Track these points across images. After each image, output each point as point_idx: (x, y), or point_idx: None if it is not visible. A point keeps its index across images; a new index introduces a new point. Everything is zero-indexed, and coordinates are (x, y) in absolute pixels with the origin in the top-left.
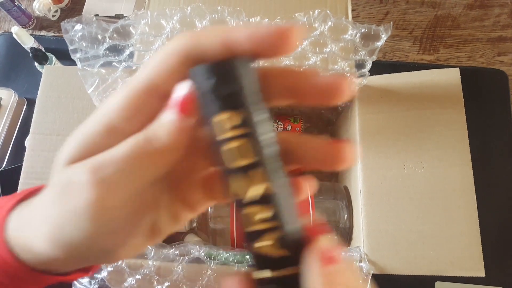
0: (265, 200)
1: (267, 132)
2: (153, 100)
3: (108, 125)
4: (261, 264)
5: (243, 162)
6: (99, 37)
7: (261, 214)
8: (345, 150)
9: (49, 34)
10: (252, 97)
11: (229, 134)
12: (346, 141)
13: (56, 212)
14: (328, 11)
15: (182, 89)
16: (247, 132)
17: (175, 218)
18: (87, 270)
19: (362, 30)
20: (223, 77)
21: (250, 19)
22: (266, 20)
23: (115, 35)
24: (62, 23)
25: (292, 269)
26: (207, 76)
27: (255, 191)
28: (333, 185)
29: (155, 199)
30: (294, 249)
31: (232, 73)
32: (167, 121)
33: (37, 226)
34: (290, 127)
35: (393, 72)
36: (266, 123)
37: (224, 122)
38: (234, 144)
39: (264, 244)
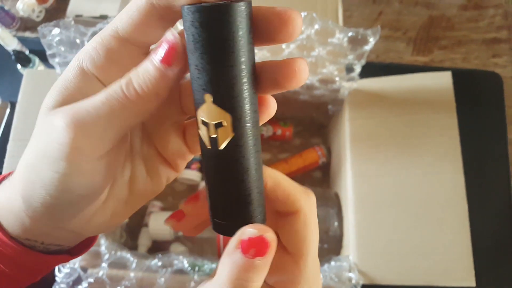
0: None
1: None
2: (120, 45)
3: (80, 69)
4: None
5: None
6: (78, 41)
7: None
8: (296, 64)
9: (34, 35)
10: (240, 45)
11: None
12: (299, 58)
13: (32, 155)
14: (315, 15)
15: (167, 37)
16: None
17: (153, 172)
18: (73, 252)
19: (350, 34)
20: (208, 24)
21: None
22: None
23: None
24: (39, 28)
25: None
26: (192, 20)
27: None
28: (324, 191)
29: (131, 146)
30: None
31: (218, 20)
32: (147, 70)
33: (15, 181)
34: (280, 131)
35: (386, 74)
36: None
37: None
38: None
39: None
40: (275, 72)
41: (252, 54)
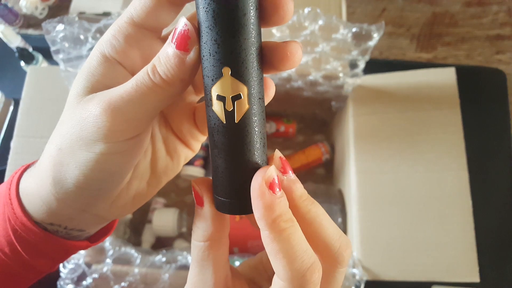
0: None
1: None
2: (136, 31)
3: (103, 56)
4: None
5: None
6: (82, 37)
7: None
8: (289, 47)
9: (37, 32)
10: (254, 18)
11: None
12: (293, 41)
13: (64, 139)
14: (319, 10)
15: (179, 25)
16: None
17: (172, 152)
18: (92, 239)
19: (354, 29)
20: (218, 7)
21: None
22: None
23: (98, 35)
24: (43, 24)
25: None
26: (203, 4)
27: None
28: (327, 188)
29: (152, 129)
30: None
31: (228, 4)
32: (167, 56)
33: (43, 167)
34: (283, 127)
35: (390, 71)
36: (256, 63)
37: None
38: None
39: None
40: (269, 55)
41: (260, 29)
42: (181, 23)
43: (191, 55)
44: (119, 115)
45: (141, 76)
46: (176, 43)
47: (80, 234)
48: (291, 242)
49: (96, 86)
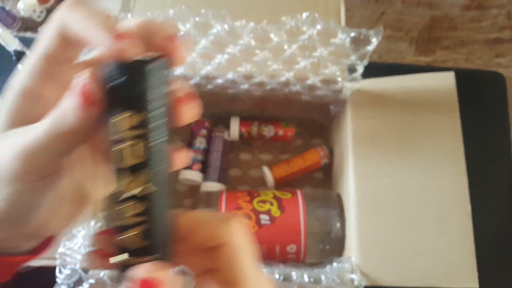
0: (142, 197)
1: (159, 137)
2: (52, 65)
3: (24, 90)
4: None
5: (132, 161)
6: None
7: (134, 210)
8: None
9: (35, 35)
10: (150, 104)
11: (123, 134)
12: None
13: None
14: (316, 15)
15: (82, 79)
16: (138, 134)
17: (103, 177)
18: (34, 252)
19: (352, 34)
20: (124, 81)
21: (235, 23)
22: (252, 23)
23: None
24: (39, 28)
25: (150, 257)
26: (107, 75)
27: (136, 189)
28: (326, 193)
29: (76, 155)
30: (156, 241)
31: (131, 80)
32: (71, 105)
33: None
34: (282, 131)
35: (389, 74)
36: (159, 129)
37: (119, 124)
38: (127, 143)
39: (130, 234)
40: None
41: None
42: (76, 87)
43: (91, 111)
44: (32, 159)
45: (48, 124)
46: (74, 99)
47: (15, 251)
48: None
49: (15, 122)
